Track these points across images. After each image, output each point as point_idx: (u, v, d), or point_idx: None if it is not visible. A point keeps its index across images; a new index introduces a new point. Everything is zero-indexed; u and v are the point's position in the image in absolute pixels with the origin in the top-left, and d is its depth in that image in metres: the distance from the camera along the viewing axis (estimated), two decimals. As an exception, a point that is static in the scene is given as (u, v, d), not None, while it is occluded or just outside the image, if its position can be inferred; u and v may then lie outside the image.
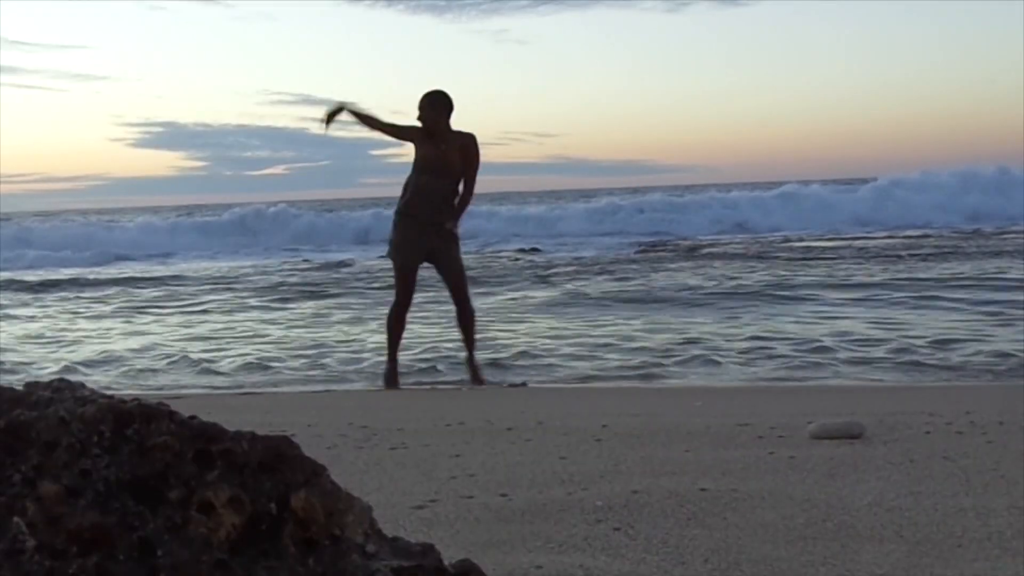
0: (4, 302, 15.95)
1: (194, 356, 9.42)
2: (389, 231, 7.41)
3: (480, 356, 7.74)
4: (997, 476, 3.55)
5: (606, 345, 9.31)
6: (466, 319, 7.37)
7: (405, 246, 7.19)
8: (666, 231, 29.44)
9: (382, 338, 7.77)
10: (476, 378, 7.49)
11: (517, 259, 22.17)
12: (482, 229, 29.44)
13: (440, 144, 7.13)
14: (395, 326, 7.38)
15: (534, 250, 24.34)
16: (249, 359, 9.18)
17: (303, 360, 9.06)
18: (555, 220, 32.34)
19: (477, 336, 7.60)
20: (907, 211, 29.64)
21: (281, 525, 1.45)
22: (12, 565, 1.35)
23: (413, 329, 8.41)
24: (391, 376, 7.49)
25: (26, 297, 16.97)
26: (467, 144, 7.20)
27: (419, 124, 7.23)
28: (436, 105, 7.17)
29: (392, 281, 7.45)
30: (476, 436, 4.67)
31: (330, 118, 7.31)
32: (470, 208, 7.43)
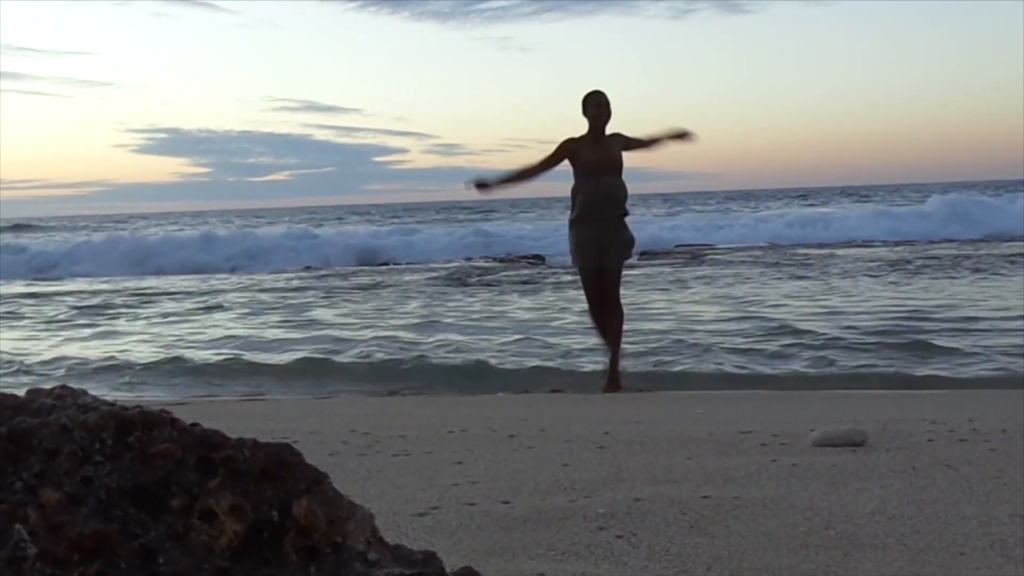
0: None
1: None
2: (568, 241, 7.60)
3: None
4: (1000, 484, 3.54)
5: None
6: (616, 323, 7.46)
7: (583, 249, 7.37)
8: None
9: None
10: (613, 382, 7.49)
11: (514, 264, 22.17)
12: (491, 236, 29.40)
13: (601, 145, 7.32)
14: (601, 320, 7.45)
15: (536, 257, 24.29)
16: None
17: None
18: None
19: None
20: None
21: (283, 533, 1.45)
22: (14, 573, 1.34)
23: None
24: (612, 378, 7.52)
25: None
26: (623, 140, 7.41)
27: (563, 142, 7.41)
28: (605, 105, 7.37)
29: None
30: (478, 443, 4.67)
31: (479, 186, 7.54)
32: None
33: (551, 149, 7.44)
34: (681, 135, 7.52)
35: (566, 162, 7.44)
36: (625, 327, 7.65)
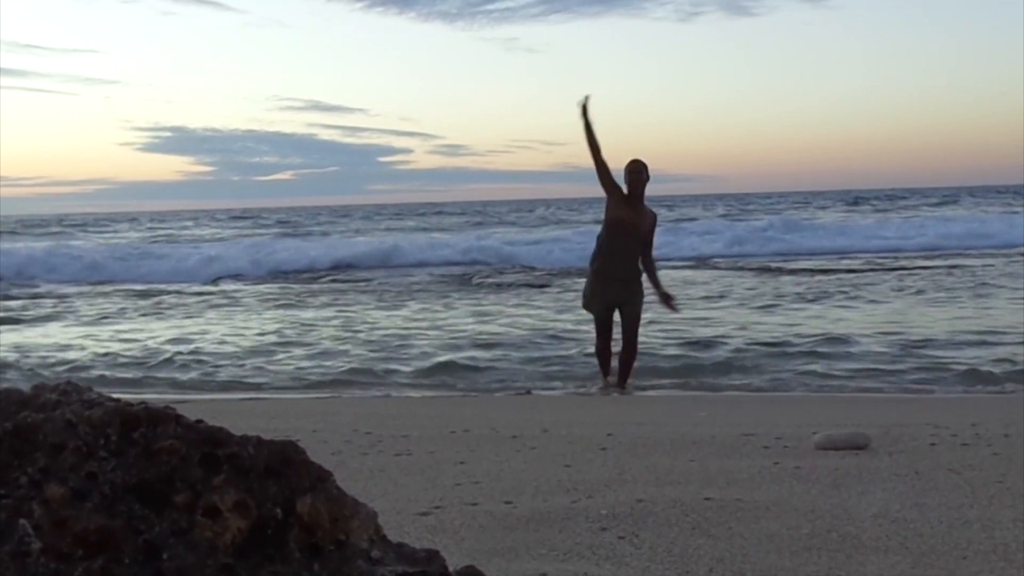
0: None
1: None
2: (584, 284, 8.16)
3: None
4: (1003, 488, 3.54)
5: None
6: (628, 357, 7.96)
7: (597, 298, 7.92)
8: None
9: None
10: (621, 383, 7.96)
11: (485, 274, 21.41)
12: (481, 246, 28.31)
13: (634, 210, 7.81)
14: (603, 356, 8.03)
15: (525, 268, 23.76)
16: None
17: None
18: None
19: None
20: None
21: (287, 530, 1.45)
22: (18, 567, 1.35)
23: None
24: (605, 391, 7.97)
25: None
26: (653, 221, 7.92)
27: (616, 185, 7.80)
28: (644, 174, 7.83)
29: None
30: (481, 443, 4.67)
31: (584, 109, 7.81)
32: None
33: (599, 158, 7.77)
34: (668, 300, 8.03)
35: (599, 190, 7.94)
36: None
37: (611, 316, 7.88)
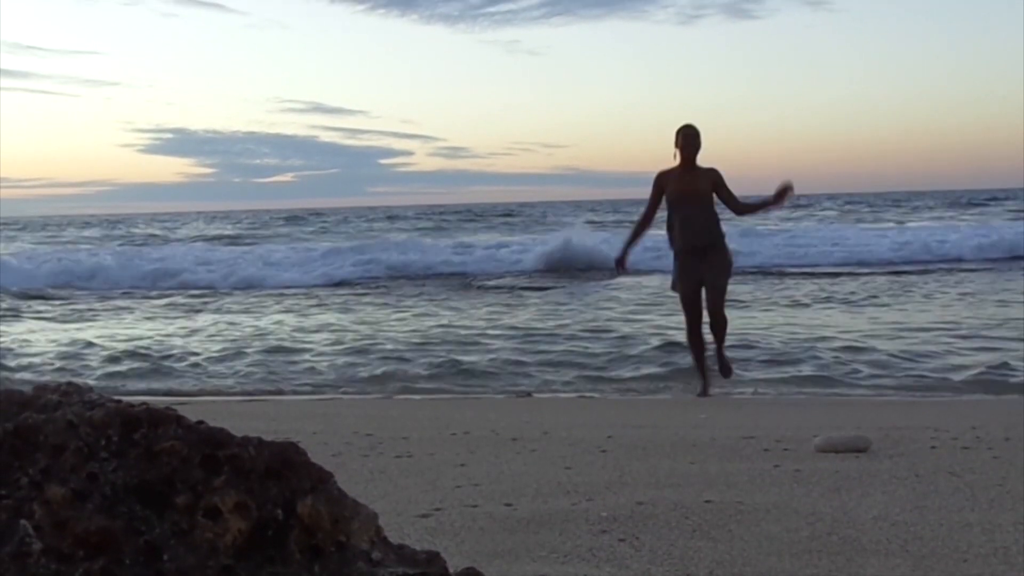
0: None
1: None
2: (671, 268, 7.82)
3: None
4: (1003, 491, 3.54)
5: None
6: (719, 327, 7.67)
7: (683, 277, 7.63)
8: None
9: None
10: (724, 368, 7.80)
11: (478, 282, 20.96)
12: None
13: (688, 176, 7.56)
14: (695, 344, 7.76)
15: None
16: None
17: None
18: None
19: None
20: None
21: (287, 531, 1.45)
22: (18, 568, 1.35)
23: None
24: (704, 387, 7.72)
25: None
26: (715, 177, 7.58)
27: (656, 177, 7.67)
28: (697, 139, 7.58)
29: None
30: (481, 446, 4.67)
31: (619, 265, 7.93)
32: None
33: (649, 190, 7.71)
34: (783, 193, 7.59)
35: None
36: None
37: (698, 293, 7.56)
